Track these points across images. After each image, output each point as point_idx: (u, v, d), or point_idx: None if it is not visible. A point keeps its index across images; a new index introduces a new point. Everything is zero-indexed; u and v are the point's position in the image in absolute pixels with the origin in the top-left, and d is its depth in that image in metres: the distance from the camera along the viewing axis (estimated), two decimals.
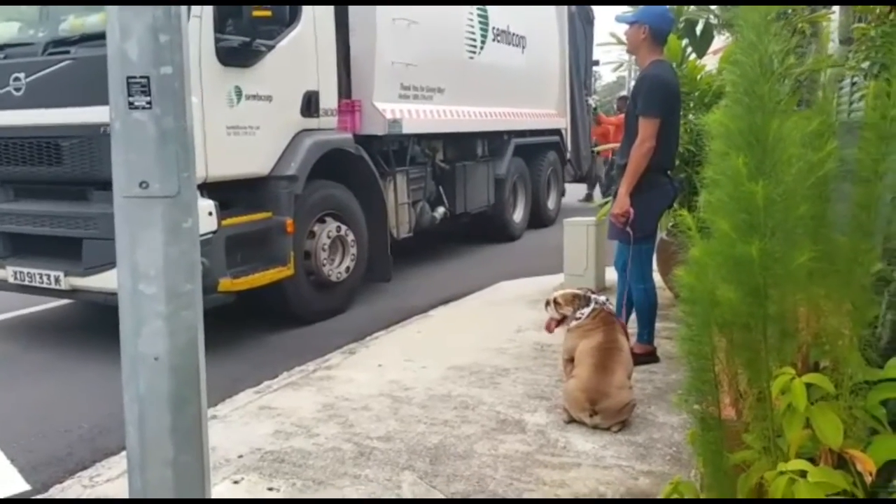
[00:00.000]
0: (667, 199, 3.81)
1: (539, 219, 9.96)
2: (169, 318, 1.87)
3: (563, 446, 3.04)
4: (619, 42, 6.19)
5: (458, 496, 2.66)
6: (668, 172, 3.81)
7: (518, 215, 9.42)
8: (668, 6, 3.96)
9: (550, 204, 10.47)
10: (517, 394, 3.64)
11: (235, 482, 2.77)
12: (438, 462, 2.91)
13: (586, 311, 3.53)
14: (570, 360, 3.46)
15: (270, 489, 2.73)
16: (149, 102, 1.81)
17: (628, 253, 3.74)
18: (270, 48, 4.98)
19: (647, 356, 3.90)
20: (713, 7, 5.57)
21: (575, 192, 12.59)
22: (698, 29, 5.45)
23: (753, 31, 1.94)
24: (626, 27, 3.96)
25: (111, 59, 1.83)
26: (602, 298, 3.57)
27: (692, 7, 5.92)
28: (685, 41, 5.39)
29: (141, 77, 1.80)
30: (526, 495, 2.66)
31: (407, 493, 2.69)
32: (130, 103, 1.81)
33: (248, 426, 3.31)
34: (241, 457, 2.98)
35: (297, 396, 3.68)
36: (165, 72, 1.82)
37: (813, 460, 1.96)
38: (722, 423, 2.09)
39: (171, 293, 1.87)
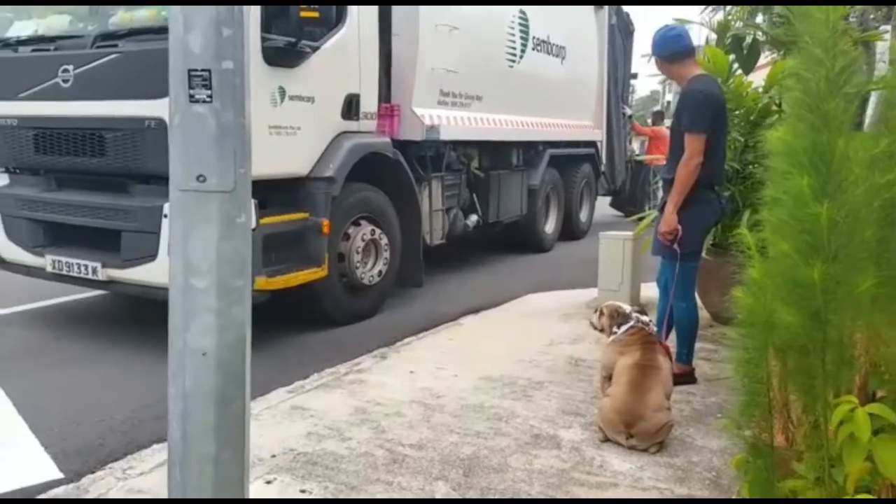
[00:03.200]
0: (714, 216, 3.74)
1: (570, 231, 9.88)
2: (219, 314, 1.85)
3: (599, 465, 2.98)
4: None
5: None
6: (716, 188, 3.74)
7: (550, 226, 9.35)
8: (666, 26, 3.91)
9: (583, 216, 10.39)
10: (551, 408, 3.58)
11: (268, 482, 2.75)
12: (472, 474, 2.87)
13: (624, 326, 3.47)
14: (608, 378, 3.41)
15: (303, 491, 2.71)
16: (209, 96, 1.80)
17: (672, 270, 3.67)
18: (315, 49, 4.99)
19: (685, 377, 3.82)
20: (761, 23, 5.50)
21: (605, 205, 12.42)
22: (745, 45, 5.42)
23: (820, 47, 1.89)
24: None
25: (173, 50, 1.82)
26: (645, 318, 3.49)
27: (740, 23, 5.86)
28: (732, 56, 5.33)
29: (202, 70, 1.79)
30: None
31: None
32: (191, 96, 1.79)
33: (280, 426, 3.29)
34: (273, 456, 2.96)
35: (330, 398, 3.66)
36: (227, 66, 1.81)
37: (869, 492, 1.89)
38: (774, 450, 2.02)
39: (222, 288, 1.85)
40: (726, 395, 3.83)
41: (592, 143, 10.26)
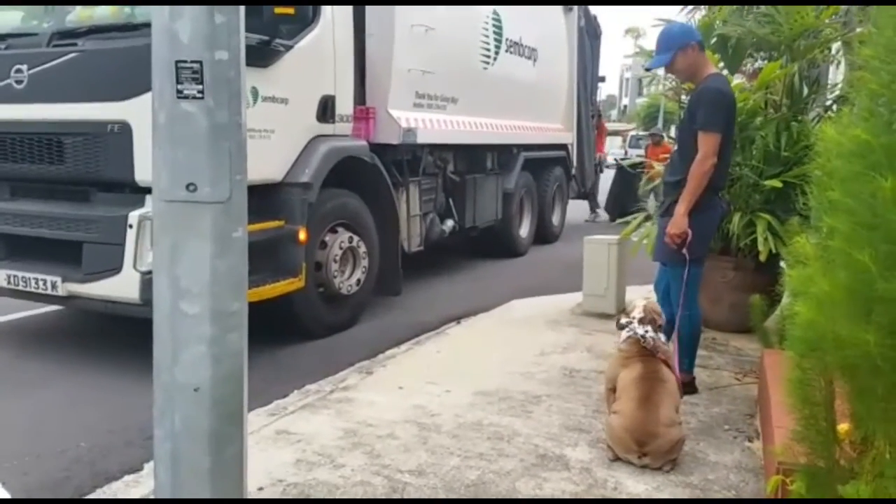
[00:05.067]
0: (719, 221, 3.59)
1: (543, 235, 9.75)
2: (213, 343, 1.62)
3: (613, 487, 2.79)
4: (650, 54, 6.01)
5: None
6: (720, 193, 3.59)
7: (524, 230, 9.20)
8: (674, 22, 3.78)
9: (555, 220, 10.27)
10: (553, 424, 3.39)
11: None
12: None
13: (624, 334, 3.28)
14: (613, 390, 3.22)
15: (306, 499, 2.47)
16: (200, 91, 1.56)
17: (673, 275, 3.51)
18: (289, 48, 4.73)
19: (687, 386, 3.66)
20: (748, 23, 5.40)
21: (577, 209, 12.28)
22: (731, 45, 5.32)
23: None
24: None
25: (157, 39, 1.58)
26: (641, 331, 3.15)
27: (719, 22, 5.76)
28: (717, 56, 5.22)
29: (193, 62, 1.55)
30: None
31: None
32: (179, 91, 1.56)
33: (265, 453, 3.04)
34: (261, 489, 2.70)
35: (316, 420, 3.41)
36: (220, 57, 1.58)
37: None
38: (832, 475, 1.85)
39: (216, 313, 1.62)
40: (729, 405, 3.71)
41: (563, 146, 10.16)
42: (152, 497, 2.36)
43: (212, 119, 1.58)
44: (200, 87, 1.56)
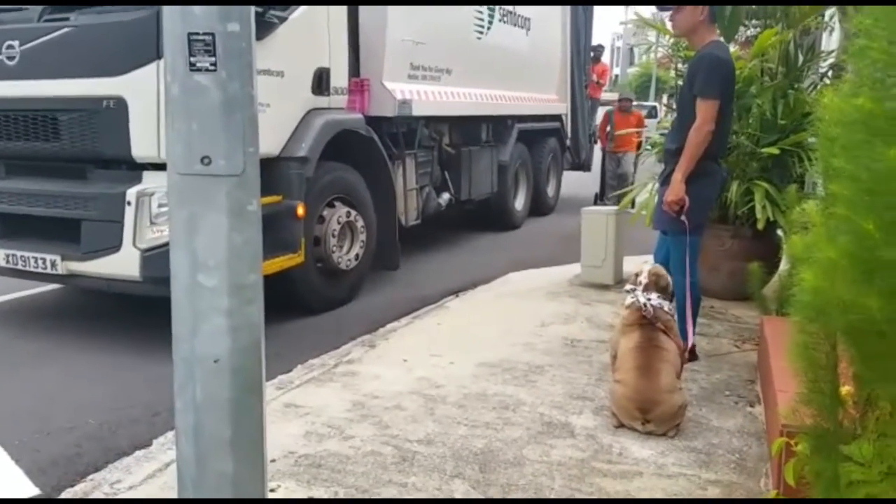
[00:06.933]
0: (718, 189, 3.61)
1: (538, 207, 9.75)
2: (231, 314, 1.63)
3: (618, 453, 2.84)
4: (646, 23, 5.99)
5: None
6: (719, 160, 3.61)
7: (520, 203, 9.20)
8: None
9: (550, 191, 10.26)
10: (557, 393, 3.43)
11: (272, 490, 2.52)
12: (488, 470, 2.69)
13: (628, 300, 3.31)
14: (615, 358, 3.26)
15: (310, 498, 2.50)
16: (213, 64, 1.55)
17: (674, 244, 3.54)
18: (283, 20, 4.68)
19: (687, 353, 3.70)
20: None
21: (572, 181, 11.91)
22: (727, 13, 5.30)
23: None
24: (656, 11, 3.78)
25: (168, 11, 1.57)
26: (643, 299, 3.16)
27: None
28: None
29: (205, 34, 1.54)
30: None
31: None
32: (192, 64, 1.55)
33: (274, 426, 3.05)
34: (273, 461, 2.72)
35: (323, 393, 3.44)
36: (233, 29, 1.57)
37: None
38: (836, 436, 1.89)
39: (233, 286, 1.63)
40: (730, 372, 3.76)
41: (558, 117, 10.11)
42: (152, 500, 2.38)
43: (225, 92, 1.57)
44: (213, 59, 1.55)
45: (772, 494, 2.32)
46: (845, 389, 2.03)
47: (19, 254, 4.49)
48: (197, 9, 1.53)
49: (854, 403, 2.04)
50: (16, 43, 4.37)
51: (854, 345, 1.73)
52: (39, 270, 4.46)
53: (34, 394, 3.69)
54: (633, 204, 5.60)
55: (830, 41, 6.36)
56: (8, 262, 4.55)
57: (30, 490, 2.74)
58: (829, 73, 5.43)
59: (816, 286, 1.71)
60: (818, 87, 5.18)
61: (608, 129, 10.11)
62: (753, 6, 5.16)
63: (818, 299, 1.72)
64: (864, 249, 1.62)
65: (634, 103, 10.94)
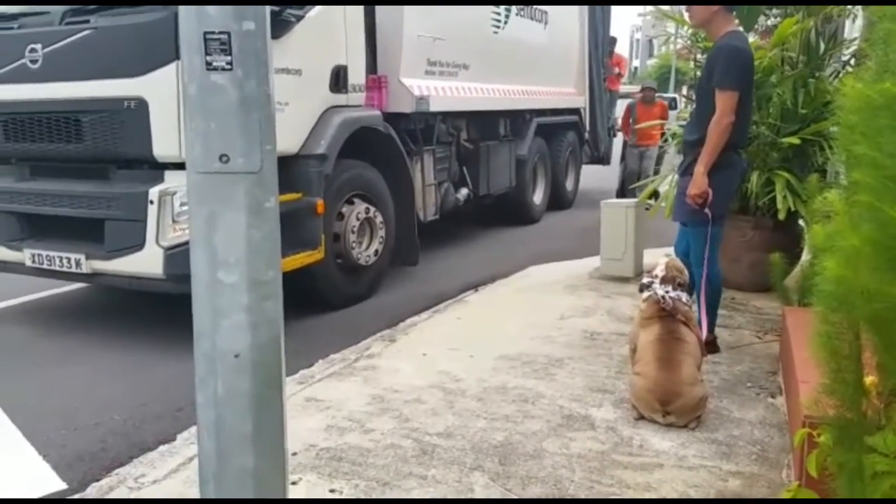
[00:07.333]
0: (739, 179, 3.58)
1: (557, 201, 9.71)
2: (251, 310, 1.65)
3: (639, 445, 2.83)
4: (665, 15, 5.95)
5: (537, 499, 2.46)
6: (739, 151, 3.58)
7: (538, 197, 9.17)
8: None
9: (569, 185, 10.23)
10: (577, 386, 3.43)
11: (294, 483, 2.55)
12: (508, 462, 2.70)
13: (645, 294, 3.31)
14: (635, 350, 3.26)
15: (332, 490, 2.53)
16: (229, 63, 1.57)
17: (694, 236, 3.52)
18: (300, 18, 4.71)
19: (709, 345, 3.68)
20: None
21: (592, 175, 11.75)
22: None
23: None
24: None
25: (184, 11, 1.59)
26: (661, 291, 3.20)
27: None
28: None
29: (221, 33, 1.56)
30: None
31: (480, 497, 2.48)
32: (208, 64, 1.57)
33: (295, 420, 3.08)
34: (294, 454, 2.76)
35: (343, 388, 3.47)
36: (248, 28, 1.58)
37: None
38: (859, 426, 1.87)
39: (252, 282, 1.65)
40: (751, 363, 3.74)
41: (576, 111, 10.07)
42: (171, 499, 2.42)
43: (241, 90, 1.59)
44: (229, 58, 1.57)
45: (793, 486, 2.30)
46: (869, 379, 2.01)
47: (45, 253, 4.57)
48: (212, 8, 1.55)
49: (878, 394, 2.02)
50: (38, 46, 4.43)
51: (878, 334, 1.71)
52: (65, 269, 4.53)
53: (60, 391, 3.76)
54: (655, 195, 5.57)
55: (853, 29, 6.27)
56: (34, 261, 4.63)
57: (57, 484, 2.79)
58: (852, 62, 5.35)
59: (839, 275, 1.69)
60: (840, 75, 5.11)
61: (630, 121, 9.78)
62: None
63: (841, 288, 1.71)
64: (888, 237, 1.60)
65: (657, 94, 10.36)
